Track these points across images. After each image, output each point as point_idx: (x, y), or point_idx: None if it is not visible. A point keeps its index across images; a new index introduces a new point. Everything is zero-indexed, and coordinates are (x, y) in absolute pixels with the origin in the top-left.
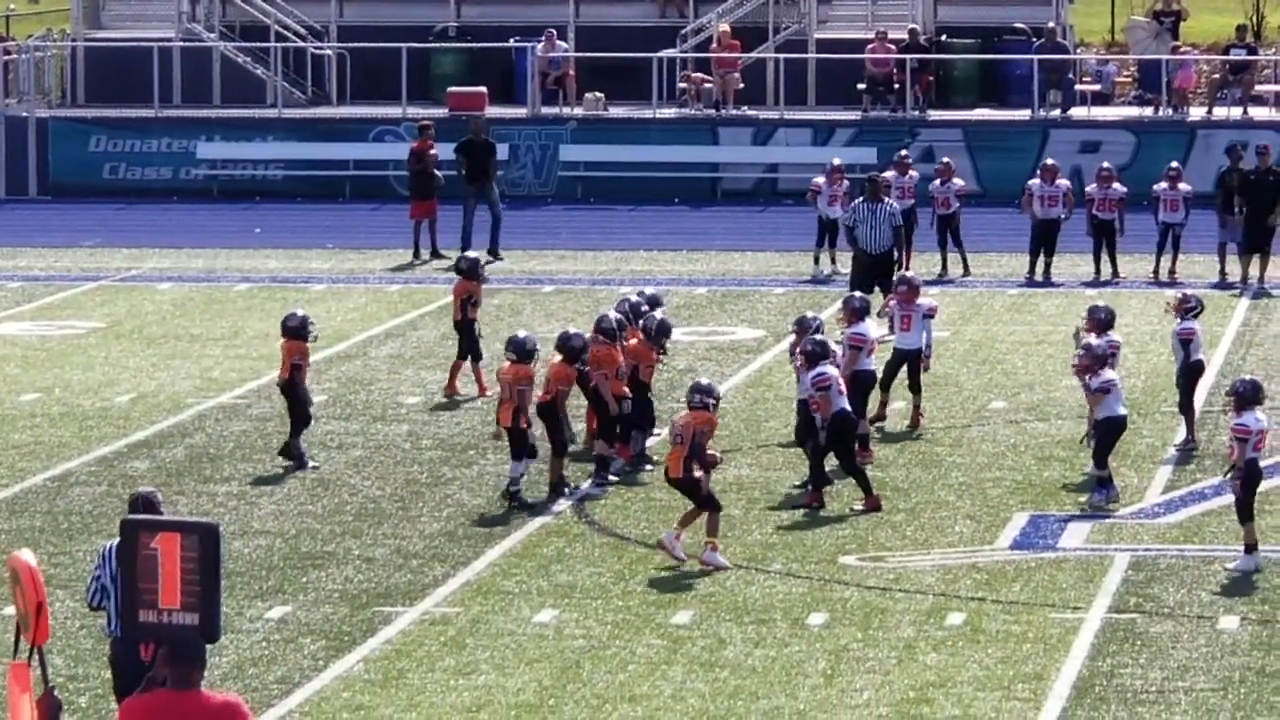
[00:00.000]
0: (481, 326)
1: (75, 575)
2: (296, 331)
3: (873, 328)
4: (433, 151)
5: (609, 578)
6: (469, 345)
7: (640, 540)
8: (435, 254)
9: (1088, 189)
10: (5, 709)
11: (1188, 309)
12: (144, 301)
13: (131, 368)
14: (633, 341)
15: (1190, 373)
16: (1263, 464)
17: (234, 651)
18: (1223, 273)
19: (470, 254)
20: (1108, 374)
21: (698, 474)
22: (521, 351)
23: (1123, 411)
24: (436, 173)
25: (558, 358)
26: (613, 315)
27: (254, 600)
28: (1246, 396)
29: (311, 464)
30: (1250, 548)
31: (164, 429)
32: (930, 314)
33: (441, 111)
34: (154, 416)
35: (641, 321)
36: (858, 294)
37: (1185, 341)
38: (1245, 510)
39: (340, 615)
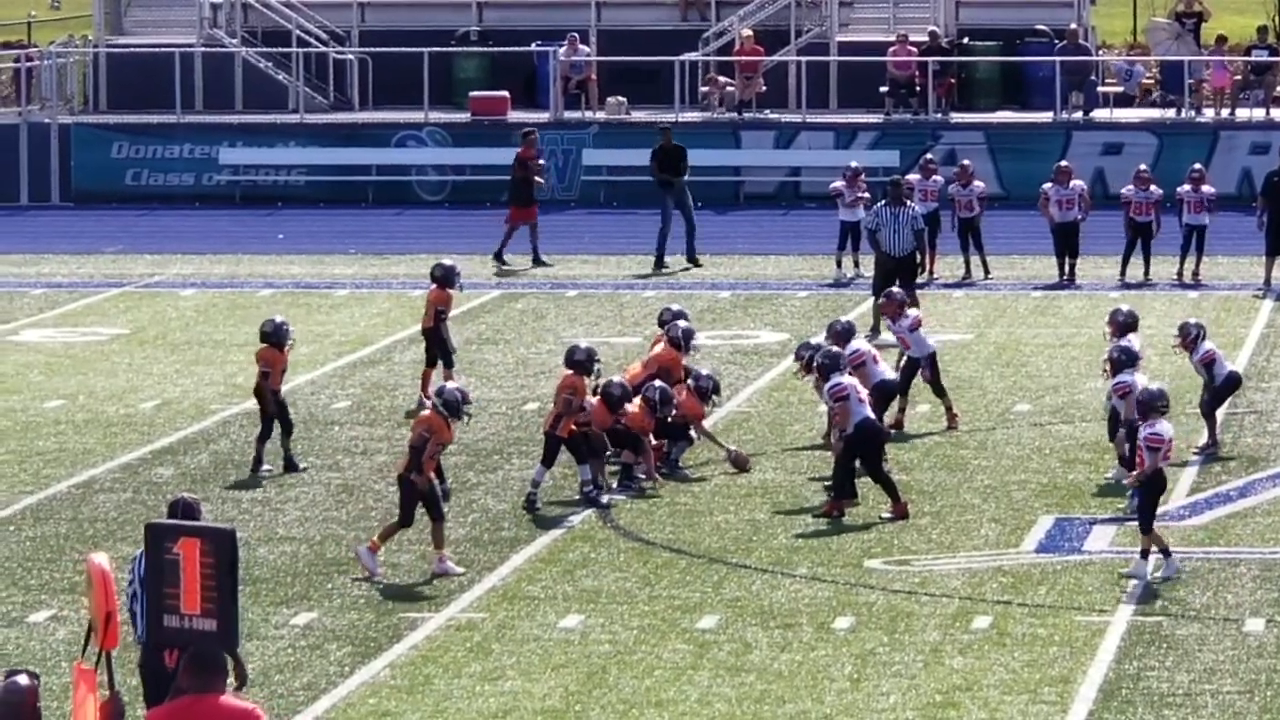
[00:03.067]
0: (451, 336)
1: None
2: (268, 337)
3: (863, 343)
4: (540, 160)
5: (634, 583)
6: (441, 353)
7: (666, 545)
8: (537, 260)
9: (1123, 191)
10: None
11: (1192, 339)
12: (167, 308)
13: (155, 374)
14: (658, 348)
15: (1228, 386)
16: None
17: (260, 658)
18: None
19: (446, 262)
20: (1123, 376)
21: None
22: (570, 361)
23: None
24: (539, 179)
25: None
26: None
27: (279, 607)
28: (1153, 406)
29: (265, 468)
30: (1145, 553)
31: (188, 435)
32: (915, 326)
33: (464, 116)
34: (178, 423)
35: (667, 330)
36: (842, 319)
37: (1208, 364)
38: (1146, 518)
39: (366, 621)
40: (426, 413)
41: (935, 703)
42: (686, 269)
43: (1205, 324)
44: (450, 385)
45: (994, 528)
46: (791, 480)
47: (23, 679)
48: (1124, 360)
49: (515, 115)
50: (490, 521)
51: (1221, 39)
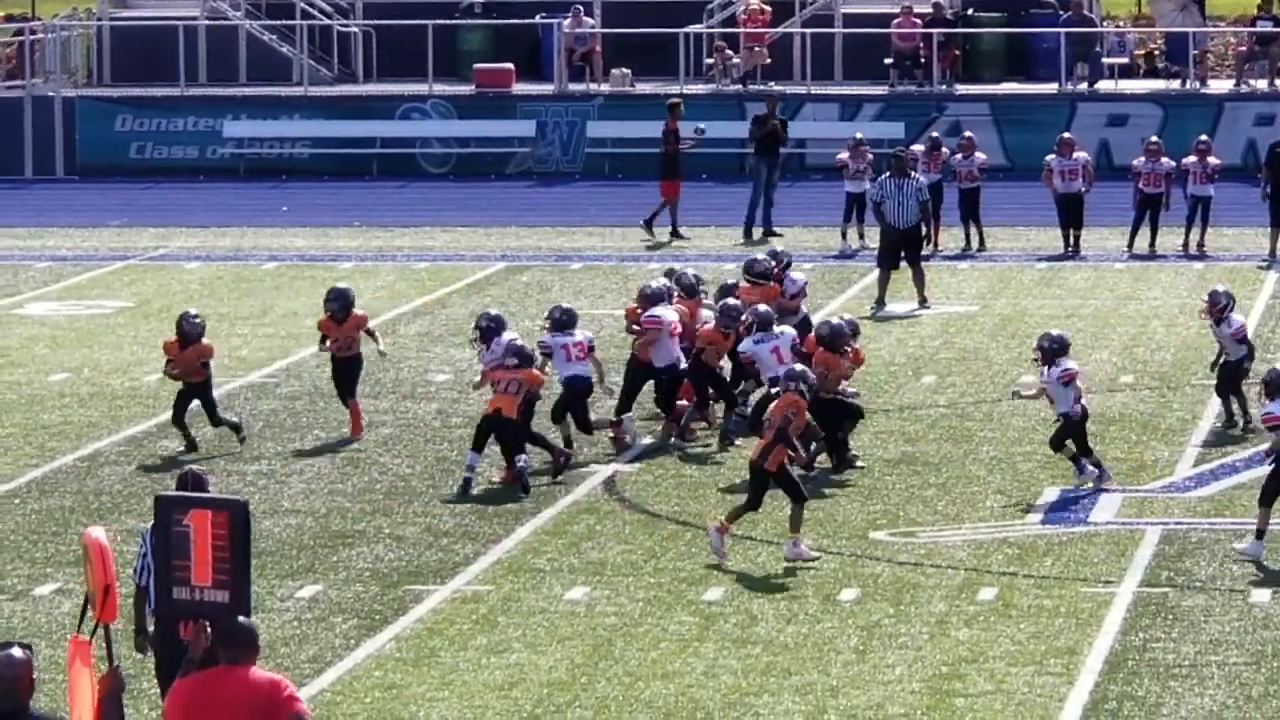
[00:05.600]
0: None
1: None
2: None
3: (667, 311)
4: (685, 134)
5: (640, 555)
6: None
7: (672, 517)
8: (675, 234)
9: (1134, 163)
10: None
11: (1222, 307)
12: (172, 281)
13: (160, 347)
14: (707, 327)
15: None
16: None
17: (265, 631)
18: None
19: (341, 285)
20: (1067, 364)
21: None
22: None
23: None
24: (682, 149)
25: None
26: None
27: (285, 579)
28: (1275, 385)
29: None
30: (1261, 532)
31: (193, 408)
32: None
33: (469, 88)
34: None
35: (712, 308)
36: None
37: (1241, 339)
38: (1270, 496)
39: (371, 594)
40: (790, 394)
41: (941, 674)
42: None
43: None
44: (799, 367)
45: (999, 499)
46: None
47: (17, 651)
48: (1056, 349)
49: (520, 88)
50: (495, 494)
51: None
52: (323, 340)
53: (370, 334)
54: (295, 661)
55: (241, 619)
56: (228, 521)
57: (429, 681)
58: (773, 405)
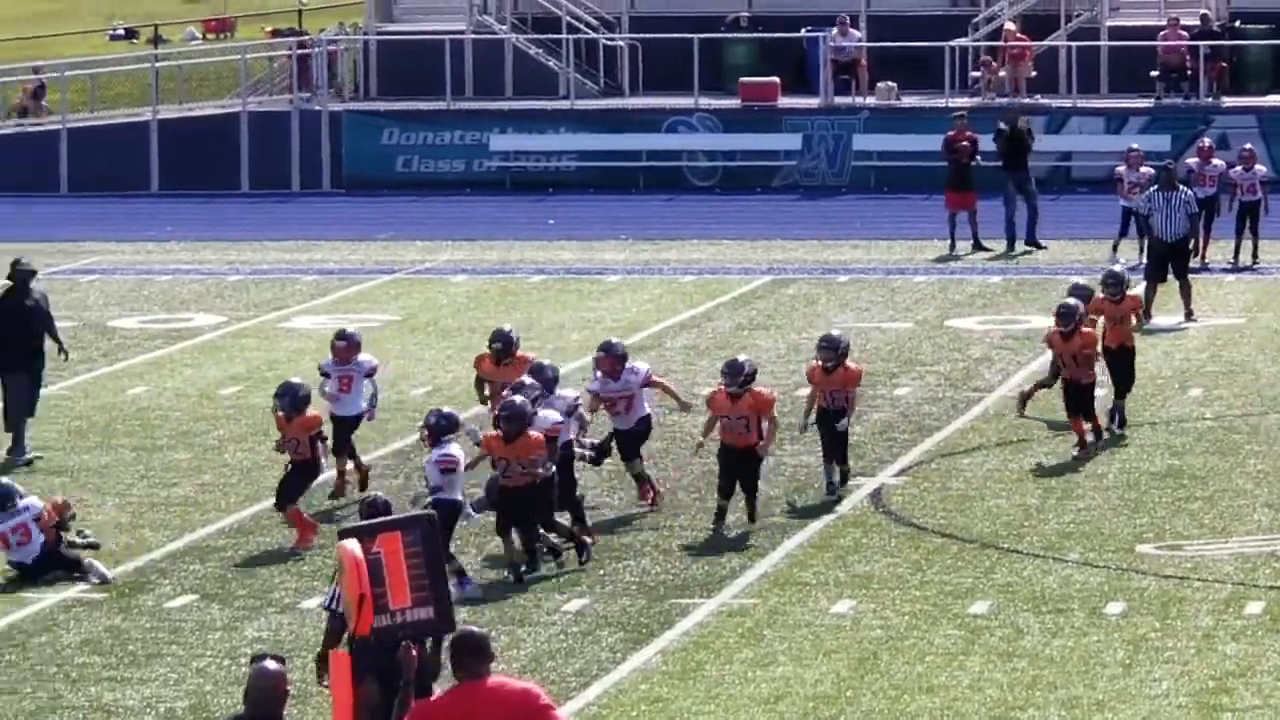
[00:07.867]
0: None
1: None
2: None
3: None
4: (965, 141)
5: (906, 568)
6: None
7: (938, 530)
8: (977, 245)
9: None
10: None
11: None
12: (438, 294)
13: (427, 360)
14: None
15: None
16: None
17: (532, 644)
18: None
19: (295, 380)
20: (447, 448)
21: None
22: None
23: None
24: (976, 160)
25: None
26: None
27: (551, 593)
28: None
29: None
30: None
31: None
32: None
33: (735, 102)
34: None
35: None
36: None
37: None
38: None
39: (638, 607)
40: None
41: (1208, 689)
42: (1028, 252)
43: None
44: None
45: (1267, 513)
46: (1063, 464)
47: (271, 664)
48: (444, 426)
49: (786, 101)
50: (762, 508)
51: None
52: (279, 443)
53: (317, 442)
54: (561, 675)
55: (472, 628)
56: (419, 539)
57: (695, 695)
58: None
